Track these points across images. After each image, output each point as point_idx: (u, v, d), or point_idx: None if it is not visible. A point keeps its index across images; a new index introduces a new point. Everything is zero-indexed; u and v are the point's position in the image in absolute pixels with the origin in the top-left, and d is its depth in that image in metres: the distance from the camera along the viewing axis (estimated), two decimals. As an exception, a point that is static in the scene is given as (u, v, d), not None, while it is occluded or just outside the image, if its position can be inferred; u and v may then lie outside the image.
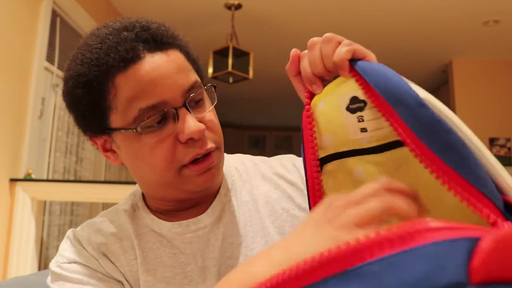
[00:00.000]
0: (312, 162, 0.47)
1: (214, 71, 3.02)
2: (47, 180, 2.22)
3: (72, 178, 2.58)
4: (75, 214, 2.68)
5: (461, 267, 0.22)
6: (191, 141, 0.55)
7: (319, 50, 0.45)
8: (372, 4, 3.12)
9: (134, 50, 0.54)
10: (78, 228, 0.64)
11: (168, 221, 0.62)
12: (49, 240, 2.38)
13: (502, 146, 4.13)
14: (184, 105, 0.55)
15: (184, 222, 0.61)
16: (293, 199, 0.65)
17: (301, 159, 0.56)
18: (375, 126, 0.43)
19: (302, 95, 0.50)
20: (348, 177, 0.47)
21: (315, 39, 0.46)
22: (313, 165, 0.47)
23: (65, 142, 2.50)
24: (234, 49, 2.99)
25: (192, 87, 0.57)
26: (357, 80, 0.42)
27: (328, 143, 0.47)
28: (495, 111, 4.19)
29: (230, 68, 2.93)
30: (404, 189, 0.34)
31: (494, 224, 0.32)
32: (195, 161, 0.56)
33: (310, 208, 0.48)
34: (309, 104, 0.47)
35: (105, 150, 0.62)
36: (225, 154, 0.72)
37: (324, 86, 0.46)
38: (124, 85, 0.54)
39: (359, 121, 0.43)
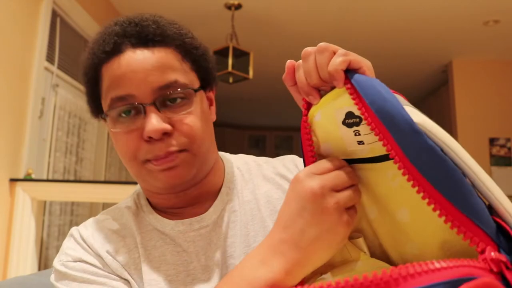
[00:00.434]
0: None
1: (214, 71, 3.01)
2: (47, 180, 2.21)
3: (72, 178, 2.58)
4: (75, 214, 2.68)
5: None
6: (152, 140, 0.56)
7: (313, 61, 0.44)
8: (372, 4, 3.12)
9: (116, 44, 0.58)
10: (81, 226, 0.64)
11: (171, 219, 0.63)
12: (49, 240, 2.38)
13: (502, 146, 4.13)
14: (153, 103, 0.56)
15: (187, 220, 0.62)
16: None
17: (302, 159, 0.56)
18: (372, 140, 0.42)
19: (300, 103, 0.50)
20: None
21: (309, 49, 0.45)
22: None
23: (65, 142, 2.50)
24: (234, 49, 2.99)
25: (168, 86, 0.57)
26: (352, 97, 0.41)
27: (327, 152, 0.47)
28: (495, 111, 4.19)
29: (230, 68, 2.93)
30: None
31: (482, 253, 0.34)
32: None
33: None
34: (306, 115, 0.47)
35: None
36: (228, 154, 0.73)
37: (321, 96, 0.45)
38: (105, 75, 0.58)
39: (355, 134, 0.43)
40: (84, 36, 2.80)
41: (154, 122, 0.54)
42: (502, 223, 0.35)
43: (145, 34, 0.58)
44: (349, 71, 0.42)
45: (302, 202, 0.42)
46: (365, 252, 0.48)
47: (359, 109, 0.40)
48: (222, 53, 2.98)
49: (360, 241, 0.48)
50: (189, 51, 0.62)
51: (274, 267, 0.41)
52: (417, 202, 0.37)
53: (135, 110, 0.57)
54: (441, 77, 4.70)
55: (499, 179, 3.96)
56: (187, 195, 0.62)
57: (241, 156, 0.74)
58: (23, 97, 2.09)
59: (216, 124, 0.68)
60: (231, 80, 3.14)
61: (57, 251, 2.42)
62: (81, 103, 2.67)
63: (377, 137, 0.39)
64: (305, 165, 0.48)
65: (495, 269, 0.32)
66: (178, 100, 0.57)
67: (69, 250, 0.60)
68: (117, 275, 0.59)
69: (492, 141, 4.14)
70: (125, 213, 0.65)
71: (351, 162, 0.46)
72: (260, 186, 0.67)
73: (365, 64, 0.44)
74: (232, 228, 0.62)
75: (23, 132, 2.10)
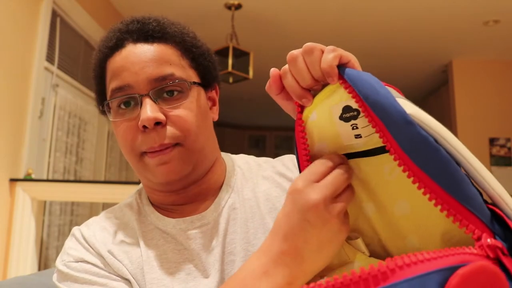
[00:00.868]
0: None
1: (214, 71, 3.01)
2: (47, 180, 2.22)
3: (72, 178, 2.58)
4: (75, 214, 2.69)
5: None
6: (148, 130, 0.57)
7: (303, 62, 0.44)
8: (372, 4, 3.12)
9: (118, 40, 0.61)
10: (83, 226, 0.64)
11: (171, 217, 0.63)
12: (49, 240, 2.38)
13: (502, 146, 4.13)
14: (149, 94, 0.58)
15: (188, 218, 0.62)
16: None
17: None
18: (369, 132, 0.42)
19: (289, 110, 0.49)
20: None
21: (294, 52, 0.45)
22: None
23: (65, 142, 2.50)
24: (234, 49, 3.00)
25: (164, 78, 0.58)
26: (348, 90, 0.41)
27: (322, 152, 0.47)
28: (495, 111, 4.19)
29: (230, 68, 2.93)
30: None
31: (478, 240, 0.34)
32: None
33: None
34: (300, 118, 0.46)
35: None
36: (229, 154, 0.74)
37: (313, 97, 0.45)
38: (109, 68, 0.62)
39: (353, 128, 0.43)
40: (84, 36, 2.80)
41: (148, 111, 0.56)
42: (497, 210, 0.36)
43: (146, 30, 0.61)
44: (339, 67, 0.42)
45: (304, 215, 0.42)
46: (363, 252, 0.48)
47: (357, 102, 0.40)
48: (222, 53, 2.98)
49: (359, 241, 0.48)
50: (189, 49, 0.63)
51: (278, 278, 0.42)
52: (417, 193, 0.38)
53: (134, 101, 0.59)
54: (441, 77, 4.70)
55: (499, 179, 3.88)
56: (187, 192, 0.63)
57: (242, 156, 0.75)
58: (23, 97, 2.10)
59: (216, 124, 0.69)
60: (231, 80, 3.14)
61: (57, 251, 2.43)
62: (81, 103, 2.67)
63: (374, 129, 0.39)
64: (299, 168, 0.48)
65: (491, 255, 0.32)
66: (175, 93, 0.59)
67: (71, 250, 0.61)
68: (119, 275, 0.59)
69: (492, 141, 4.14)
70: (127, 212, 0.66)
71: (347, 157, 0.46)
72: (260, 184, 0.68)
73: (352, 57, 0.44)
74: (233, 225, 0.63)
75: (23, 132, 2.10)
